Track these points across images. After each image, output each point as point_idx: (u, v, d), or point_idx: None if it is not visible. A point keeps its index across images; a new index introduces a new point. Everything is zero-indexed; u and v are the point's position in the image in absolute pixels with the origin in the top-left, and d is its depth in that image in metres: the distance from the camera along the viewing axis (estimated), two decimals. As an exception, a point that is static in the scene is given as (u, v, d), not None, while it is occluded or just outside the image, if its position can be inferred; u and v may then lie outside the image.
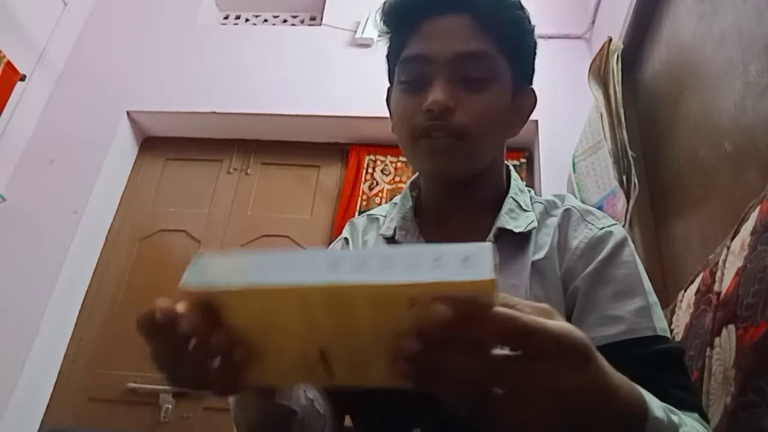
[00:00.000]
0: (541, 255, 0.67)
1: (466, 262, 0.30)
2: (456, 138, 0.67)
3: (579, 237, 0.68)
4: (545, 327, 0.33)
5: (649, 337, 0.59)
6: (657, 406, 0.41)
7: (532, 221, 0.70)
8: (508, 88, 0.71)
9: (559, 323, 0.34)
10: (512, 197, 0.73)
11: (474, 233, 0.71)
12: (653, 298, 0.63)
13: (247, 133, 2.69)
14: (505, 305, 0.34)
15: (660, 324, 0.61)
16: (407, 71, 0.71)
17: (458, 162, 0.69)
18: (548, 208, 0.74)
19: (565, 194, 0.77)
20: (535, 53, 0.74)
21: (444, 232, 0.74)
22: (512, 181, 0.76)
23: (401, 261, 0.31)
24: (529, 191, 0.78)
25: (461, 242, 0.66)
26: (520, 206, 0.72)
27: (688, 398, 0.55)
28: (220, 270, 0.35)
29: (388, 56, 0.77)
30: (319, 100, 2.53)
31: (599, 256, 0.65)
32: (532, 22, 0.73)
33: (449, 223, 0.74)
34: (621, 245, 0.66)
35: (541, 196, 0.77)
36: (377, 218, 0.82)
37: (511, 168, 0.79)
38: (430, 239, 0.73)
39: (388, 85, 0.79)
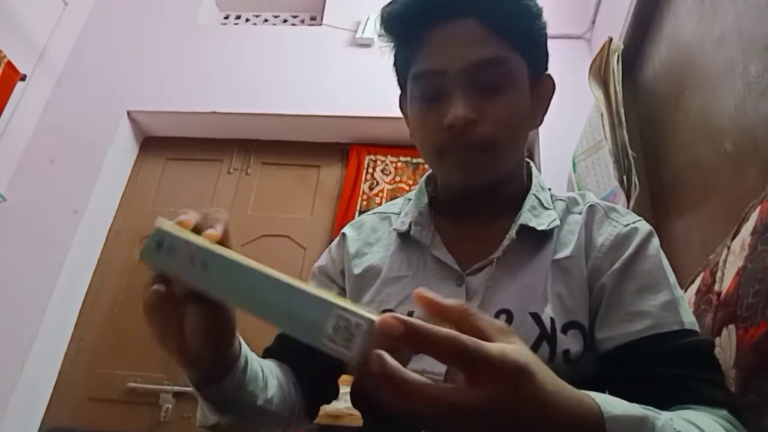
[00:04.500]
0: (566, 253, 0.66)
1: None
2: (482, 150, 0.65)
3: (604, 234, 0.67)
4: (483, 348, 0.33)
5: (675, 331, 0.58)
6: (619, 405, 0.40)
7: (555, 219, 0.69)
8: (526, 84, 0.69)
9: (498, 345, 0.34)
10: (534, 194, 0.72)
11: (494, 231, 0.70)
12: (679, 292, 0.62)
13: (247, 133, 2.69)
14: (467, 318, 0.35)
15: (687, 318, 0.59)
16: (421, 87, 0.68)
17: (487, 172, 0.68)
18: (570, 206, 0.73)
19: (586, 191, 0.76)
20: (546, 38, 0.72)
21: (461, 228, 0.72)
22: (533, 179, 0.75)
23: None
24: (550, 189, 0.76)
25: (479, 239, 0.71)
26: (542, 204, 0.71)
27: (715, 394, 0.54)
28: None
29: (395, 65, 0.74)
30: (320, 100, 2.53)
31: (625, 254, 0.64)
32: (538, 6, 0.69)
33: (468, 221, 0.72)
34: (646, 241, 0.65)
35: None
36: (388, 216, 0.80)
37: (532, 165, 0.78)
38: (445, 235, 0.72)
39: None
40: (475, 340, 0.33)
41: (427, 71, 0.67)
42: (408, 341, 0.32)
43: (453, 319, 0.36)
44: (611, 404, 0.39)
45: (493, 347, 0.33)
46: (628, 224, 0.67)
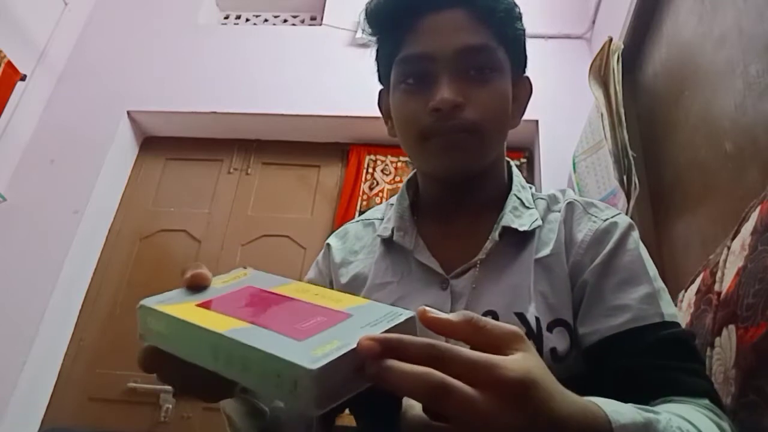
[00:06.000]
0: (546, 251, 0.66)
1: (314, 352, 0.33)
2: (468, 133, 0.65)
3: (584, 230, 0.67)
4: (461, 353, 0.32)
5: (656, 323, 0.58)
6: (625, 412, 0.39)
7: (536, 219, 0.69)
8: (509, 79, 0.70)
9: (494, 356, 0.33)
10: (515, 194, 0.72)
11: (476, 232, 0.70)
12: (659, 284, 0.62)
13: (248, 133, 2.69)
14: (474, 325, 0.35)
15: (668, 310, 0.59)
16: (408, 71, 0.68)
17: (472, 157, 0.67)
18: (550, 204, 0.73)
19: (566, 188, 0.77)
20: (525, 40, 0.73)
21: (444, 231, 0.72)
22: (514, 178, 0.75)
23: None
24: (531, 187, 0.77)
25: (462, 241, 0.70)
26: (523, 204, 0.71)
27: (698, 384, 0.54)
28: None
29: (377, 58, 0.75)
30: (319, 100, 2.53)
31: (605, 249, 0.64)
32: (521, 11, 0.71)
33: (450, 223, 0.73)
34: (626, 234, 0.65)
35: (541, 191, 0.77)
36: (372, 222, 0.81)
37: (512, 164, 0.78)
38: (428, 239, 0.72)
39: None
40: (449, 345, 0.32)
41: (415, 55, 0.67)
42: (389, 357, 0.32)
43: (462, 335, 0.35)
44: (618, 412, 0.38)
45: (485, 356, 0.32)
46: (607, 219, 0.68)
